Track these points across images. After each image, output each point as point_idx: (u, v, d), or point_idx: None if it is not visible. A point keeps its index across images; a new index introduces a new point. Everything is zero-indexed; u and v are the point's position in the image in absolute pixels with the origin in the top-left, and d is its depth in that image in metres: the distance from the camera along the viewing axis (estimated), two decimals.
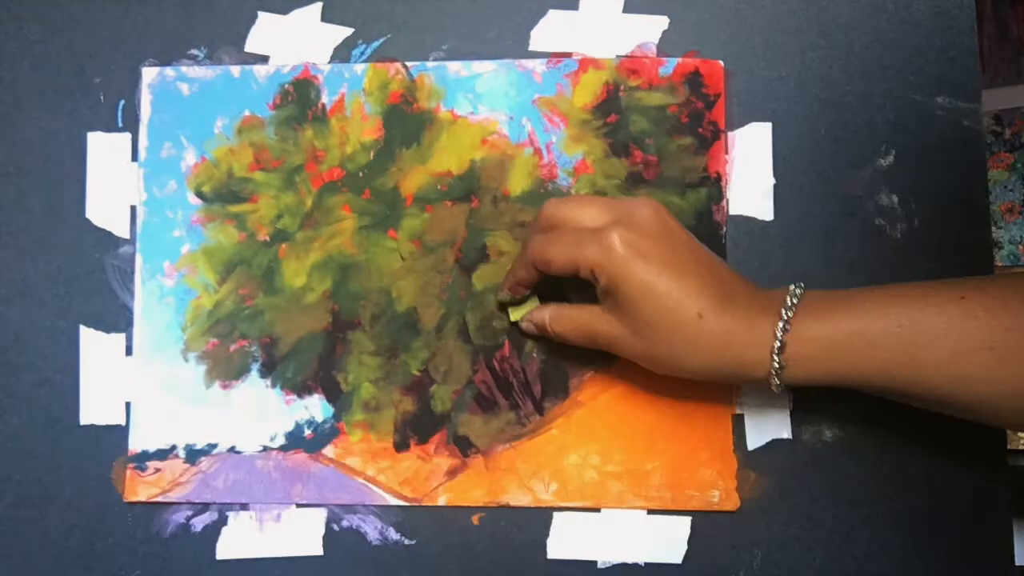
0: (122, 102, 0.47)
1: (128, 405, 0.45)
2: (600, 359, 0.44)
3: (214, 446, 0.45)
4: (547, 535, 0.44)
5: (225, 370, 0.45)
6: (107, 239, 0.46)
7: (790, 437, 0.44)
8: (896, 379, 0.35)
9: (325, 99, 0.46)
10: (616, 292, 0.37)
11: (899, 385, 0.36)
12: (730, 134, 0.45)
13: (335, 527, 0.44)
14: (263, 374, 0.45)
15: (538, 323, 0.42)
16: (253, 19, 0.47)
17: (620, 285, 0.37)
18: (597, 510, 0.44)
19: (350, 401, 0.45)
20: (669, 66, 0.45)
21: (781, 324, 0.36)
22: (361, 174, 0.46)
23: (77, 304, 0.46)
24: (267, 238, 0.46)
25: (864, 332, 0.35)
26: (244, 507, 0.45)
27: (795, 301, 0.37)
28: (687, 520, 0.43)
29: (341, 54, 0.47)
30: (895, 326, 0.35)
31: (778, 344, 0.36)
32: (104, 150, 0.47)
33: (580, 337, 0.40)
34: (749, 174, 0.45)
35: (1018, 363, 0.33)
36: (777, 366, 0.36)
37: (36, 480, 0.45)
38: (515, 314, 0.43)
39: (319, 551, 0.44)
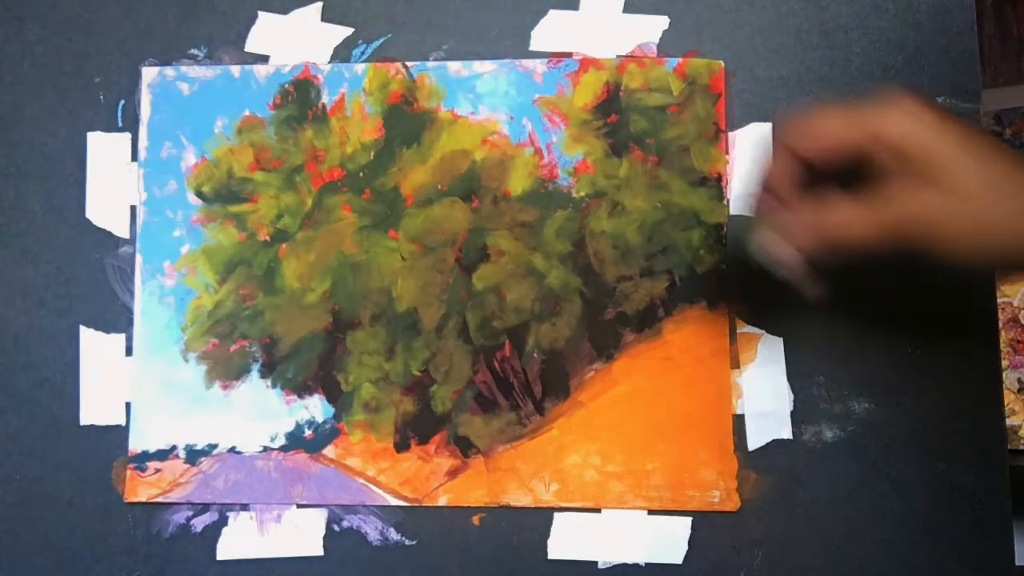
0: (122, 102, 0.47)
1: (128, 405, 0.45)
2: (601, 359, 0.44)
3: (214, 446, 0.45)
4: (548, 535, 0.44)
5: (225, 370, 0.45)
6: (107, 239, 0.46)
7: (790, 437, 0.44)
8: None
9: (325, 99, 0.46)
10: (932, 156, 0.31)
11: None
12: (730, 134, 0.45)
13: (335, 527, 0.44)
14: (263, 374, 0.45)
15: (807, 228, 0.34)
16: (253, 19, 0.47)
17: (937, 145, 0.31)
18: (598, 510, 0.44)
19: (350, 401, 0.45)
20: (669, 66, 0.45)
21: None
22: (361, 174, 0.46)
23: (77, 304, 0.46)
24: (267, 238, 0.46)
25: None
26: (244, 507, 0.45)
27: None
28: (688, 520, 0.43)
29: (341, 54, 0.47)
30: None
31: None
32: (104, 150, 0.47)
33: (881, 234, 0.32)
34: (750, 174, 0.45)
35: None
36: None
37: (36, 480, 0.45)
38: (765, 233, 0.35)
39: (320, 551, 0.44)
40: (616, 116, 0.45)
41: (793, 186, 0.34)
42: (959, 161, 0.31)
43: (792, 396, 0.44)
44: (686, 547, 0.43)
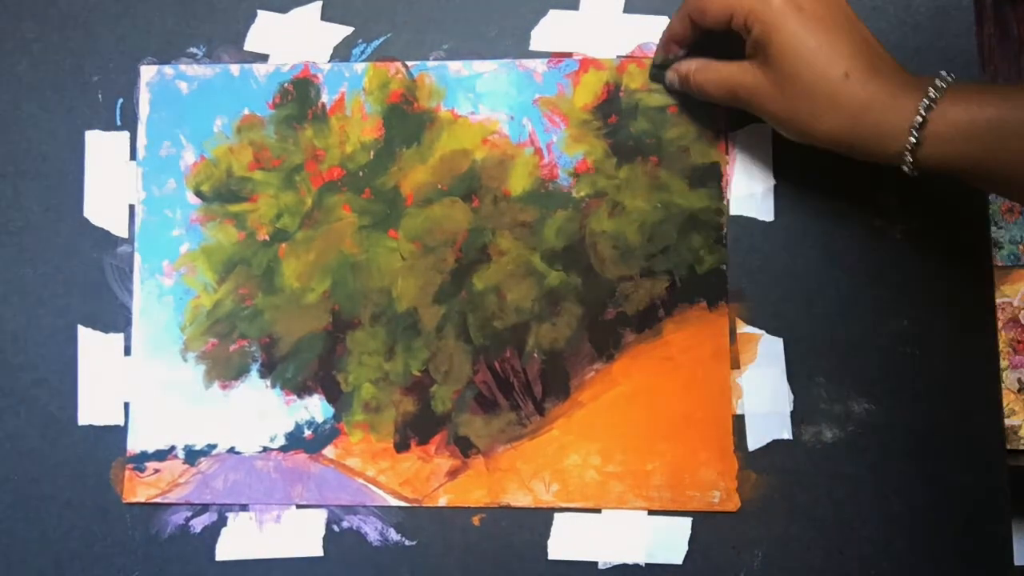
0: (120, 100, 0.47)
1: (127, 405, 0.45)
2: (601, 359, 0.44)
3: (213, 447, 0.45)
4: (548, 536, 0.44)
5: (225, 370, 0.45)
6: (106, 238, 0.46)
7: (790, 438, 0.44)
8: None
9: (325, 98, 0.46)
10: (768, 44, 0.37)
11: None
12: (731, 134, 0.45)
13: (335, 528, 0.44)
14: (263, 374, 0.45)
15: (682, 73, 0.42)
16: (253, 17, 0.47)
17: (773, 35, 0.37)
18: (598, 510, 0.44)
19: (350, 401, 0.45)
20: None
21: (926, 101, 0.35)
22: (361, 173, 0.46)
23: (75, 304, 0.46)
24: (267, 237, 0.46)
25: (1008, 120, 0.34)
26: (244, 508, 0.44)
27: (943, 85, 0.36)
28: (688, 521, 0.43)
29: (341, 53, 0.47)
30: None
31: (919, 119, 0.35)
32: (102, 149, 0.47)
33: (721, 90, 0.40)
34: (750, 175, 0.45)
35: None
36: (914, 140, 0.36)
37: (35, 480, 0.45)
38: (661, 64, 0.44)
39: (319, 552, 0.44)
40: (616, 116, 0.45)
41: (685, 42, 0.42)
42: (788, 54, 0.37)
43: (792, 396, 0.44)
44: (686, 547, 0.43)
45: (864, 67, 0.37)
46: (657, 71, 0.44)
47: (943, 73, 0.37)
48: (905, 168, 0.37)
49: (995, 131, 0.35)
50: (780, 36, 0.37)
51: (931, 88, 0.36)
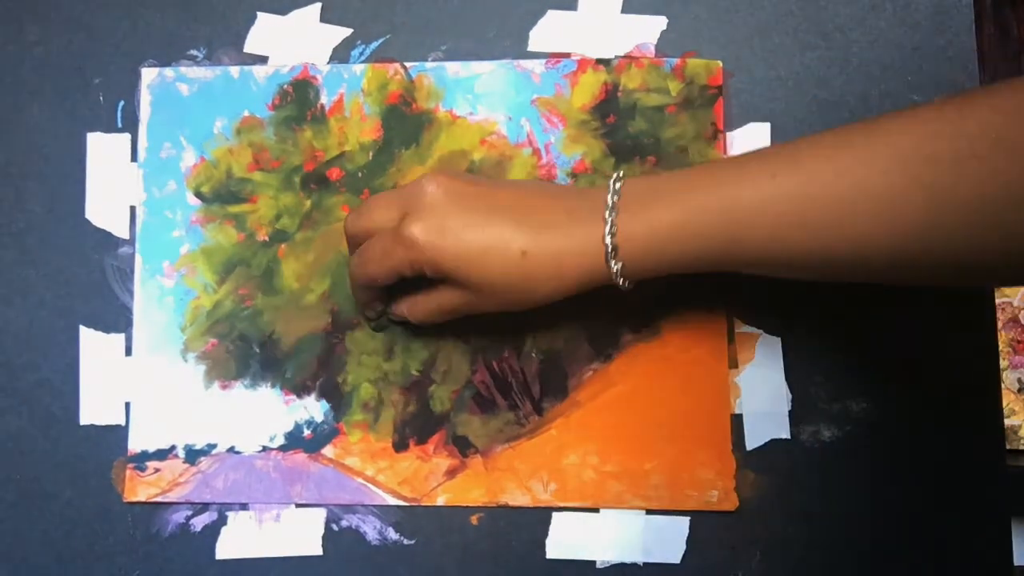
0: (121, 103, 0.47)
1: (128, 405, 0.45)
2: (599, 359, 0.44)
3: (213, 446, 0.45)
4: (546, 535, 0.44)
5: (224, 370, 0.45)
6: (107, 239, 0.47)
7: (789, 437, 0.44)
8: (724, 262, 0.36)
9: (324, 99, 0.46)
10: (444, 273, 0.37)
11: (730, 266, 0.36)
12: (729, 134, 0.45)
13: (334, 527, 0.44)
14: (262, 374, 0.45)
15: (400, 315, 0.43)
16: (252, 20, 0.47)
17: (442, 267, 0.37)
18: (596, 510, 0.44)
19: (349, 401, 0.45)
20: (667, 66, 0.45)
21: (607, 228, 0.35)
22: (360, 174, 0.46)
23: (77, 304, 0.46)
24: (266, 238, 0.46)
25: (685, 223, 0.35)
26: (244, 507, 0.45)
27: (615, 200, 0.36)
28: (686, 520, 0.43)
29: (340, 54, 0.47)
30: (714, 213, 0.34)
31: (609, 248, 0.35)
32: (104, 150, 0.47)
33: (440, 316, 0.41)
34: None
35: (830, 235, 0.33)
36: (616, 269, 0.36)
37: (36, 480, 0.45)
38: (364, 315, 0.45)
39: (318, 551, 0.44)
40: (614, 116, 0.45)
41: (379, 298, 0.43)
42: (464, 272, 0.37)
43: (790, 396, 0.44)
44: (684, 547, 0.43)
45: (535, 234, 0.36)
46: (377, 324, 0.45)
47: (611, 182, 0.37)
48: (625, 289, 0.37)
49: (678, 236, 0.35)
50: (448, 265, 0.37)
51: (605, 210, 0.36)
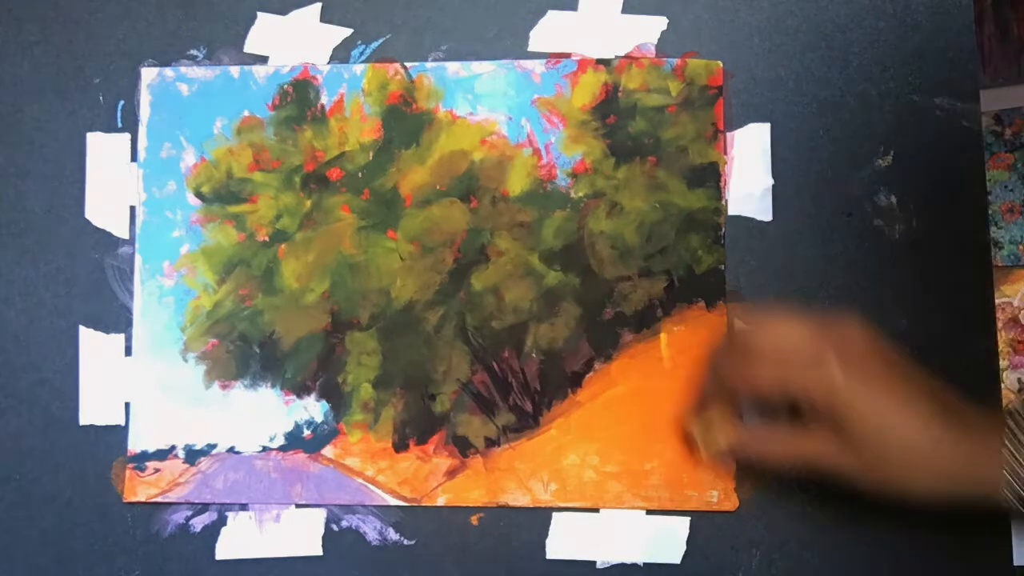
0: (121, 102, 0.47)
1: (127, 405, 0.45)
2: (599, 359, 0.44)
3: (213, 446, 0.45)
4: (546, 535, 0.44)
5: (224, 370, 0.45)
6: (106, 239, 0.47)
7: None
8: None
9: (324, 99, 0.46)
10: (840, 421, 0.36)
11: None
12: (729, 134, 0.45)
13: (334, 527, 0.44)
14: (262, 374, 0.45)
15: (734, 446, 0.40)
16: (252, 19, 0.47)
17: (847, 414, 0.35)
18: (596, 510, 0.44)
19: (349, 401, 0.45)
20: (668, 67, 0.45)
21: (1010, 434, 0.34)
22: (360, 174, 0.46)
23: (77, 304, 0.46)
24: (266, 238, 0.46)
25: None
26: (243, 507, 0.45)
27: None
28: (686, 520, 0.43)
29: (340, 54, 0.47)
30: None
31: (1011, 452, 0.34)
32: (103, 150, 0.47)
33: (789, 458, 0.38)
34: (748, 174, 0.45)
35: None
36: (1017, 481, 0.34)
37: (36, 480, 0.45)
38: (706, 438, 0.41)
39: (318, 551, 0.44)
40: (615, 117, 0.45)
41: (734, 400, 0.41)
42: (868, 433, 0.35)
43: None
44: (684, 547, 0.43)
45: (946, 426, 0.35)
46: (699, 428, 0.42)
47: (1006, 403, 0.36)
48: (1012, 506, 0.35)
49: None
50: (855, 415, 0.35)
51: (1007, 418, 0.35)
